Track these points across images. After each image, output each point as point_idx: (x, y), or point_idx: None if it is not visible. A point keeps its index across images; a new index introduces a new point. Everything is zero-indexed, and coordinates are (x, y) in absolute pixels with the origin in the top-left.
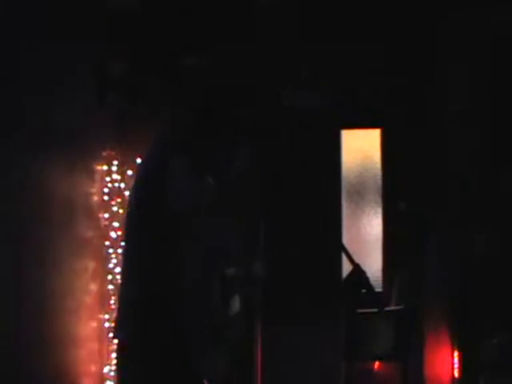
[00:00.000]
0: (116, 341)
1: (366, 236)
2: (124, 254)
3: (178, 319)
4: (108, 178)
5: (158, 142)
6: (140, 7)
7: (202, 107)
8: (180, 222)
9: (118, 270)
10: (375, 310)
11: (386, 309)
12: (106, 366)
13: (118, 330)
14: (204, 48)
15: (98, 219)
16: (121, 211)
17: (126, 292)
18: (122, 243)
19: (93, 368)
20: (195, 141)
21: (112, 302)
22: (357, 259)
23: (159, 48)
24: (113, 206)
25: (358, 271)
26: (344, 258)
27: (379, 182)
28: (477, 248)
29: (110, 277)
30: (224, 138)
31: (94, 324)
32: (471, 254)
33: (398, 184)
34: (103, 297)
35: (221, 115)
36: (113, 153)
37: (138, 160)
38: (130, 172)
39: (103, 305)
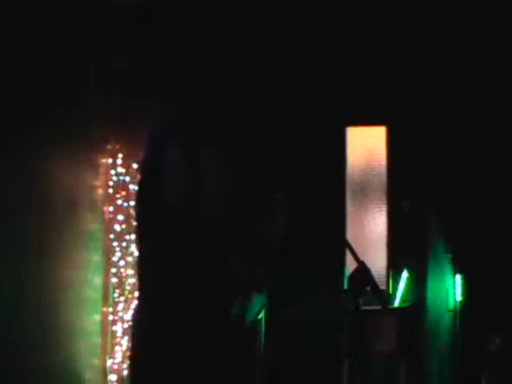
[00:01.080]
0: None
1: (370, 234)
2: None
3: (183, 314)
4: (113, 171)
5: (154, 137)
6: (142, 2)
7: (200, 103)
8: (179, 215)
9: (122, 263)
10: (379, 307)
11: (390, 306)
12: (109, 359)
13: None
14: (204, 45)
15: (103, 212)
16: (125, 204)
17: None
18: (127, 237)
19: (96, 361)
20: (192, 134)
21: (116, 295)
22: (361, 257)
23: (161, 43)
24: (117, 199)
25: (362, 269)
26: (349, 256)
27: (384, 179)
28: (480, 247)
29: (113, 270)
30: (223, 134)
31: (98, 317)
32: (474, 254)
33: (402, 182)
34: (107, 290)
35: (220, 111)
36: (118, 146)
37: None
38: (135, 165)
39: (107, 298)
